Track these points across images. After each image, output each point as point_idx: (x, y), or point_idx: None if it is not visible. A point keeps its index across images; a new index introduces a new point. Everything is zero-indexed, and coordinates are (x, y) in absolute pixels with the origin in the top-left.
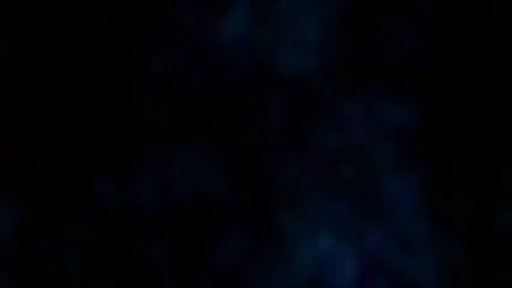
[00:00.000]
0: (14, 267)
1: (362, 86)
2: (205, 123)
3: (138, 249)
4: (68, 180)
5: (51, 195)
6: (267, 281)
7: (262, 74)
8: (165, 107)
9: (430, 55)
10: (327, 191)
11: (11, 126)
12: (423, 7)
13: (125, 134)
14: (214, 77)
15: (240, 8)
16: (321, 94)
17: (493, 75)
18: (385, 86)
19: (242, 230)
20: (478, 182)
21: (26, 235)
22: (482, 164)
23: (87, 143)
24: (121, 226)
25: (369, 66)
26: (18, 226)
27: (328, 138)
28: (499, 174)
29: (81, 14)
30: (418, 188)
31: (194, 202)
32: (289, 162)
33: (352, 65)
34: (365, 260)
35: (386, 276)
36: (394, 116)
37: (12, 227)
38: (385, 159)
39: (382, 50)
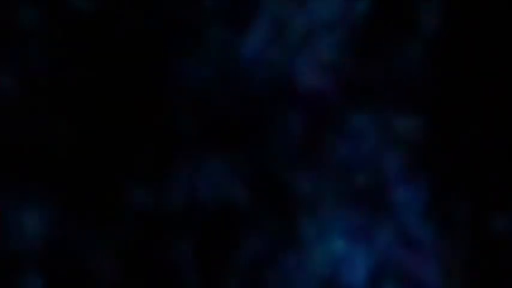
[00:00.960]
0: (47, 269)
1: (373, 100)
2: (230, 136)
3: (167, 250)
4: (104, 185)
5: (87, 197)
6: (286, 279)
7: (281, 89)
8: (193, 120)
9: (435, 69)
10: (341, 197)
11: (48, 133)
12: (428, 21)
13: (157, 144)
14: (237, 92)
15: (259, 28)
16: (335, 108)
17: (497, 85)
18: (393, 101)
19: (264, 234)
20: (477, 190)
21: (60, 237)
22: (481, 173)
23: (123, 150)
24: (151, 229)
25: (379, 81)
26: (52, 228)
27: (342, 149)
28: (496, 183)
29: (118, 33)
30: (423, 194)
31: (220, 208)
32: (307, 172)
33: (363, 80)
34: (375, 259)
35: (395, 273)
36: (402, 128)
37: (47, 229)
38: (393, 169)
39: (391, 65)
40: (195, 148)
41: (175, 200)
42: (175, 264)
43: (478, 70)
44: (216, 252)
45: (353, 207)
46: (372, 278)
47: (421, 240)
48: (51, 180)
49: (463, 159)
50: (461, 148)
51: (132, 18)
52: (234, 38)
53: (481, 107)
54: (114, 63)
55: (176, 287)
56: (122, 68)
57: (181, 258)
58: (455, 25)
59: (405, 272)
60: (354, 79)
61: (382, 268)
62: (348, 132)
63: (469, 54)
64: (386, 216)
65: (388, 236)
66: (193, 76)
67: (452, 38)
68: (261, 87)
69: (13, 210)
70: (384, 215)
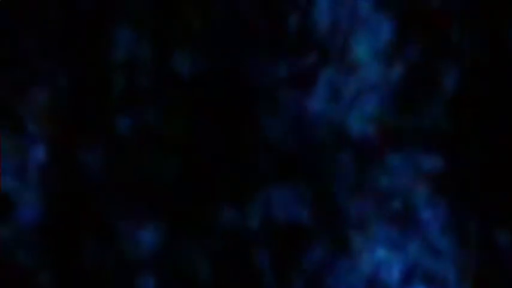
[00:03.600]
0: (157, 272)
1: (406, 144)
2: (298, 171)
3: (250, 258)
4: (202, 208)
5: (189, 217)
6: (341, 279)
7: (337, 136)
8: (271, 160)
9: (453, 120)
10: (382, 217)
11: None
12: (448, 82)
13: (243, 177)
14: (304, 139)
15: (321, 90)
16: (378, 150)
17: (501, 131)
18: (422, 144)
19: (324, 245)
20: (485, 211)
21: (167, 247)
22: (488, 198)
23: (218, 181)
24: (237, 242)
25: (411, 129)
26: (162, 241)
27: (383, 181)
28: (499, 206)
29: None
30: (443, 215)
31: (290, 226)
32: (355, 198)
33: (399, 129)
34: (407, 263)
35: (423, 275)
36: (427, 164)
37: (159, 241)
38: (421, 196)
39: (420, 117)
40: (272, 180)
41: (255, 219)
42: (256, 269)
43: (486, 121)
44: (287, 260)
45: (391, 224)
46: (404, 278)
47: (442, 250)
48: (162, 204)
49: (473, 188)
50: (472, 180)
51: (226, 84)
52: (301, 99)
53: (488, 149)
54: (214, 116)
55: (258, 285)
56: (219, 120)
57: (260, 264)
58: (469, 86)
59: (429, 274)
60: (392, 128)
61: (412, 270)
62: (387, 168)
63: (480, 108)
64: (415, 231)
65: (416, 246)
66: (272, 127)
67: (466, 96)
68: (322, 135)
69: (134, 227)
70: (414, 230)
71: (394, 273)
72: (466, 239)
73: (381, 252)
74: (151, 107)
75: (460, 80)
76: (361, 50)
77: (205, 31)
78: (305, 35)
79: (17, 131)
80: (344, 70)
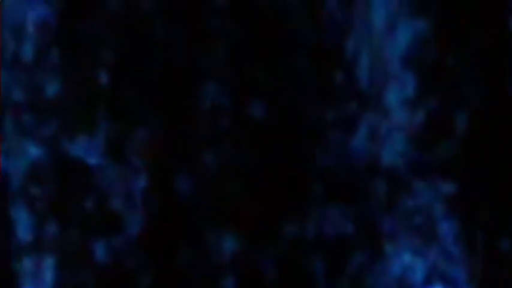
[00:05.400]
0: (237, 274)
1: (428, 173)
2: (343, 194)
3: (308, 264)
4: (268, 222)
5: (261, 230)
6: (377, 281)
7: (373, 167)
8: (323, 186)
9: (466, 154)
10: (408, 230)
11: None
12: (460, 125)
13: (300, 199)
14: (349, 169)
15: (361, 130)
16: (405, 176)
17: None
18: (440, 173)
19: (365, 252)
20: (490, 224)
21: (245, 253)
22: (492, 214)
23: (281, 201)
24: (298, 251)
25: (431, 162)
26: (241, 248)
27: (408, 201)
28: (502, 220)
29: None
30: (456, 228)
31: (337, 238)
32: (387, 215)
33: (422, 161)
34: (428, 267)
35: (440, 276)
36: (444, 189)
37: (236, 249)
38: (439, 213)
39: (438, 153)
40: (324, 202)
41: (312, 232)
42: (312, 271)
43: (490, 155)
44: (336, 264)
45: (415, 236)
46: (425, 279)
47: (455, 256)
48: (240, 219)
49: (480, 206)
50: (479, 200)
51: (289, 125)
52: (346, 137)
53: (492, 177)
54: (281, 150)
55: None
56: (285, 153)
57: (315, 268)
58: (476, 127)
59: (445, 275)
60: (416, 160)
61: (432, 272)
62: (412, 191)
63: (485, 145)
64: (434, 241)
65: (435, 253)
66: (324, 160)
67: (474, 135)
68: (362, 166)
69: (218, 237)
70: (433, 241)
71: (418, 275)
72: (474, 247)
73: (407, 258)
74: (231, 144)
75: (469, 123)
76: (392, 98)
77: (273, 84)
78: (349, 87)
79: (124, 163)
80: (379, 115)
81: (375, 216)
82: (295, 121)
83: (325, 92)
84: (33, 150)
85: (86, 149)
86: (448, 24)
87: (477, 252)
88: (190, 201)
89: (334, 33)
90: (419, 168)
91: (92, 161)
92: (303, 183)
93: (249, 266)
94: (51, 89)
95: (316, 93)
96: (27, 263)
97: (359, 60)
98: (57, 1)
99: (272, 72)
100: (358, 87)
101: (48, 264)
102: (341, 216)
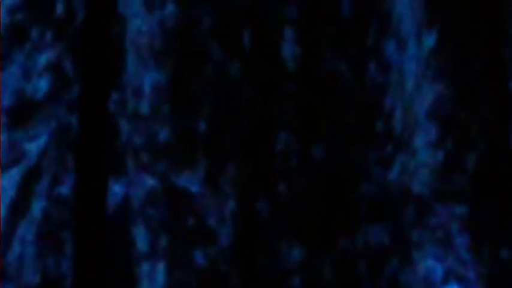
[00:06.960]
0: (302, 277)
1: (445, 199)
2: (382, 216)
3: (356, 268)
4: (328, 237)
5: (321, 242)
6: (408, 281)
7: (404, 195)
8: (367, 209)
9: (477, 185)
10: (431, 242)
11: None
12: (471, 158)
13: (350, 218)
14: (385, 197)
15: (395, 167)
16: (428, 202)
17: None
18: (456, 198)
19: (397, 259)
20: (494, 237)
21: (308, 263)
22: (496, 231)
23: (336, 220)
24: (348, 258)
25: (448, 189)
26: (304, 257)
27: (431, 220)
28: (503, 233)
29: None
30: (468, 241)
31: (377, 248)
32: (416, 230)
33: (442, 189)
34: (446, 270)
35: (456, 277)
36: (458, 210)
37: (302, 257)
38: (454, 229)
39: (452, 182)
40: (368, 221)
41: (359, 245)
42: (359, 274)
43: (496, 186)
44: (377, 269)
45: (437, 246)
46: (444, 279)
47: (467, 261)
48: (305, 234)
49: (486, 224)
50: (486, 219)
51: (337, 165)
52: (384, 172)
53: (497, 202)
54: (329, 183)
55: None
56: (334, 187)
57: (361, 272)
58: (484, 164)
59: (459, 277)
60: (437, 190)
61: (448, 274)
62: (435, 213)
63: (492, 178)
64: (451, 250)
65: (452, 259)
66: (367, 189)
67: (483, 170)
68: (396, 194)
69: (288, 248)
70: (450, 249)
71: (438, 276)
72: (481, 255)
73: (430, 263)
74: (299, 177)
75: (478, 161)
76: (419, 142)
77: (330, 131)
78: (387, 133)
79: (219, 191)
80: (409, 155)
81: (406, 231)
82: (346, 160)
83: (368, 137)
84: (150, 181)
85: (189, 180)
86: (460, 87)
87: (484, 259)
88: (268, 221)
89: (376, 93)
90: (439, 196)
91: (194, 189)
92: (353, 207)
93: (311, 270)
94: (163, 135)
95: (362, 138)
96: (144, 268)
97: (394, 113)
98: (168, 67)
99: (329, 122)
100: (394, 133)
101: (160, 269)
102: (381, 232)
